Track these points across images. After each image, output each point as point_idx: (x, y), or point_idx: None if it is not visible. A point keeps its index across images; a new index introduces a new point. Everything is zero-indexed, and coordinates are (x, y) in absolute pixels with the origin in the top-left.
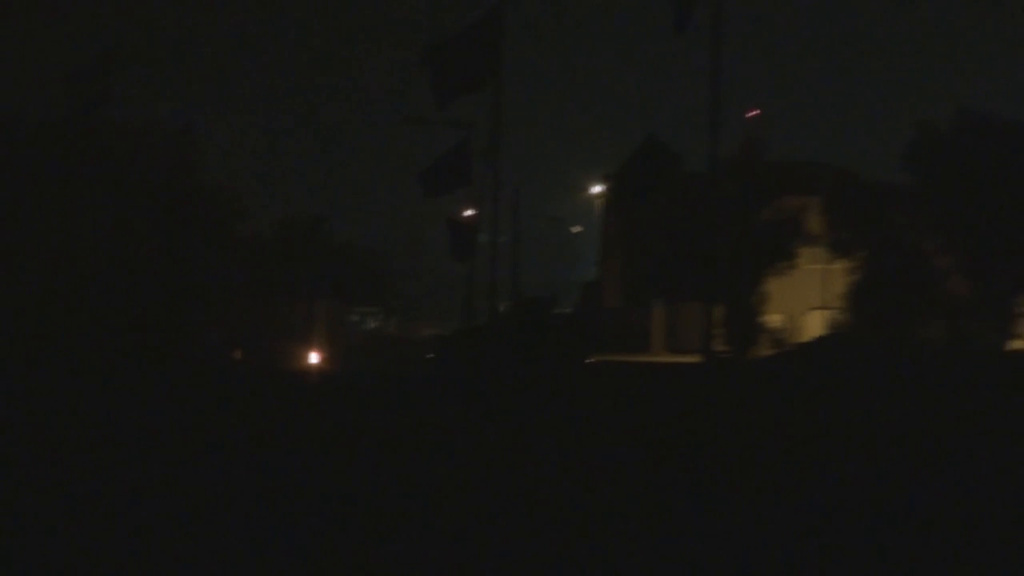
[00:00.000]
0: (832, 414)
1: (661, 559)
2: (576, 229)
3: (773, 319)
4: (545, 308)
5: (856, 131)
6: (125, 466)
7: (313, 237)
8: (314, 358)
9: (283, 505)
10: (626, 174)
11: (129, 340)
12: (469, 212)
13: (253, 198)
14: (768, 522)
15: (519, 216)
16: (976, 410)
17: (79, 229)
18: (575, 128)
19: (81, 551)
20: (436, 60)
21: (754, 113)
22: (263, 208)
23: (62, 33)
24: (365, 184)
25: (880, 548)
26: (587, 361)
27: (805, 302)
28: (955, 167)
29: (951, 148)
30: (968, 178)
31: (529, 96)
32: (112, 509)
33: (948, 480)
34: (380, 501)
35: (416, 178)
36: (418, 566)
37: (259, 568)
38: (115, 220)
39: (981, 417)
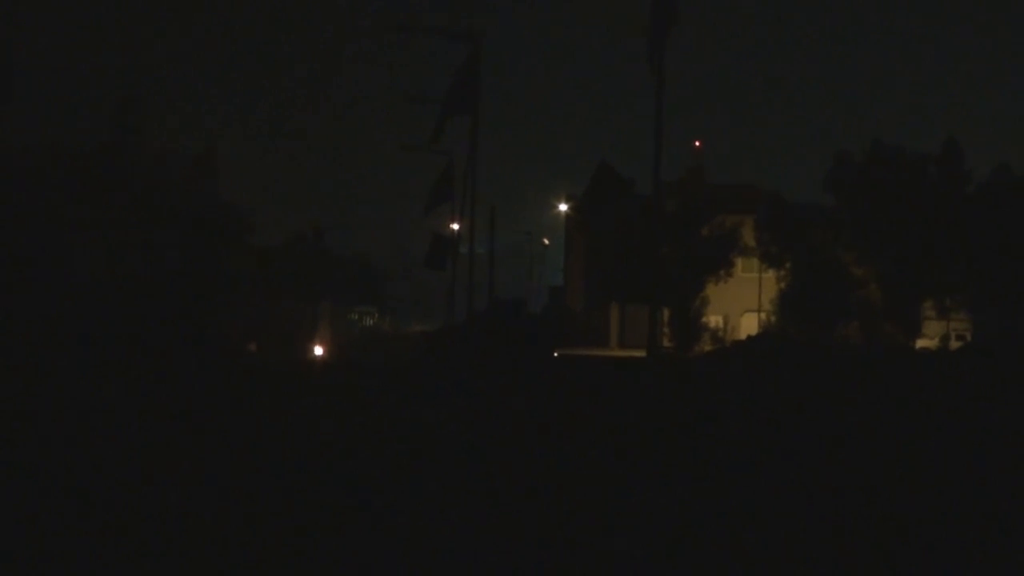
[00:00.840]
0: (762, 401)
1: (608, 521)
2: (545, 241)
3: (713, 320)
4: (517, 308)
5: (784, 157)
6: (159, 442)
7: (316, 247)
8: (318, 351)
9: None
10: (586, 195)
11: (158, 336)
12: (454, 226)
13: (264, 212)
14: (699, 491)
15: (496, 230)
16: (885, 397)
17: (113, 241)
18: (546, 154)
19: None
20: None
21: (699, 145)
22: (273, 221)
23: (94, 67)
24: (361, 201)
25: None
26: (553, 354)
27: (741, 305)
28: (868, 191)
29: (865, 175)
30: (879, 200)
31: (509, 127)
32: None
33: (859, 456)
34: (374, 478)
35: (427, 203)
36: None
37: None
38: (144, 233)
39: (889, 403)
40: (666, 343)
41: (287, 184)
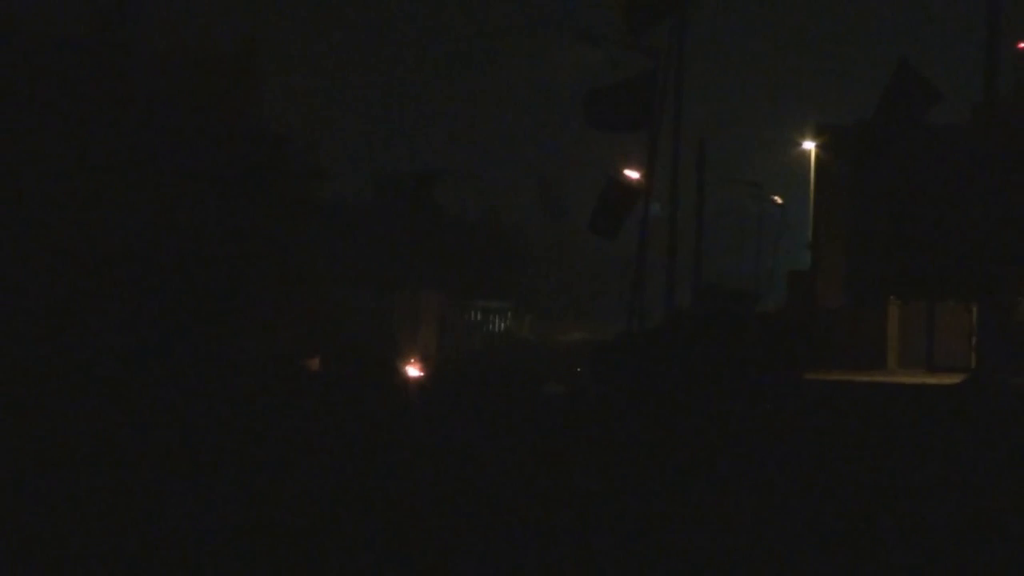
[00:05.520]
0: None
1: None
2: (777, 199)
3: None
4: (746, 306)
5: None
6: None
7: (420, 203)
8: (413, 371)
9: None
10: (879, 116)
11: (166, 343)
12: (632, 174)
13: (336, 155)
14: None
15: (705, 180)
16: None
17: (98, 189)
18: (778, 69)
19: None
20: None
21: None
22: (349, 167)
23: None
24: (491, 133)
25: None
26: (803, 379)
27: None
28: None
29: None
30: None
31: (725, 27)
32: None
33: None
34: None
35: (582, 101)
36: None
37: None
38: (147, 177)
39: None
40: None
41: (373, 108)
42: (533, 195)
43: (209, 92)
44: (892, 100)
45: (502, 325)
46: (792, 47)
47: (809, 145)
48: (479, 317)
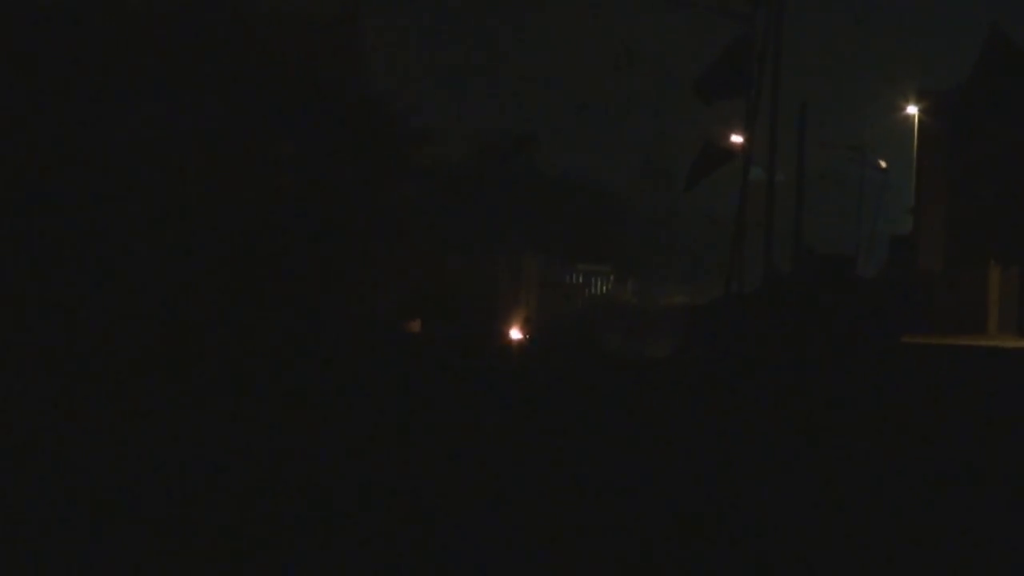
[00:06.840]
0: None
1: None
2: (882, 164)
3: None
4: (843, 270)
5: None
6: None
7: (520, 166)
8: (515, 334)
9: None
10: (974, 83)
11: (264, 309)
12: (736, 138)
13: (434, 117)
14: None
15: (806, 143)
16: None
17: (198, 154)
18: (884, 29)
19: None
20: None
21: None
22: (448, 129)
23: None
24: (589, 97)
25: None
26: (899, 343)
27: None
28: None
29: None
30: None
31: None
32: None
33: None
34: None
35: (693, 86)
36: None
37: None
38: (247, 140)
39: None
40: None
41: (469, 69)
42: (638, 160)
43: (312, 55)
44: (986, 67)
45: (604, 288)
46: (893, 9)
47: (912, 109)
48: (580, 280)
